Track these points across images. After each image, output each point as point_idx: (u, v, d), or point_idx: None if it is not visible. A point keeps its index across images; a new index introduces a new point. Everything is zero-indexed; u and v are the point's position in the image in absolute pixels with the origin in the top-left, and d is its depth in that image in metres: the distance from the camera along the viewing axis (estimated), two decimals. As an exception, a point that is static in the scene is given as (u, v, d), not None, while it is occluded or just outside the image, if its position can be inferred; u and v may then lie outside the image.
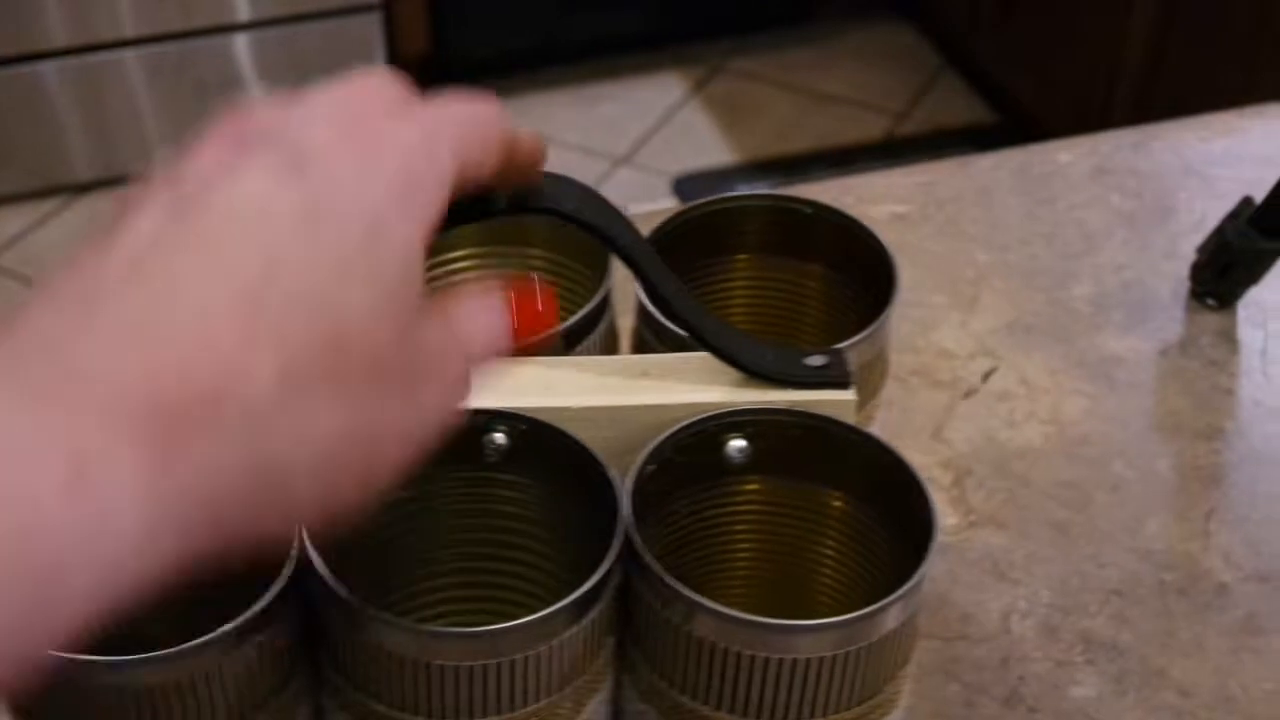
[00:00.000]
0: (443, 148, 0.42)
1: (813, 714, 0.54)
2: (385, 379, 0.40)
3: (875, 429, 0.68)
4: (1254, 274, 0.87)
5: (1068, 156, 0.99)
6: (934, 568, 0.75)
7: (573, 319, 0.63)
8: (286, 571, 0.52)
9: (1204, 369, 0.86)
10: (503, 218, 0.61)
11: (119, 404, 0.36)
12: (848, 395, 0.58)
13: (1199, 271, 0.88)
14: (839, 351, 0.59)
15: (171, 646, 0.50)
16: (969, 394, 0.84)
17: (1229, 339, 0.88)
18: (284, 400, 0.38)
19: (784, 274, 0.70)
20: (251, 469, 0.38)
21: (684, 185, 2.41)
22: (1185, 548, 0.77)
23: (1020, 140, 1.03)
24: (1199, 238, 0.90)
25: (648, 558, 0.53)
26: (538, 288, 0.56)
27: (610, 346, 0.67)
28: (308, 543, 0.53)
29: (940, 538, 0.76)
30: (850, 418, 0.58)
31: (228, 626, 0.51)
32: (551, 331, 0.52)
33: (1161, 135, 1.01)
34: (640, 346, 0.66)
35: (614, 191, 2.43)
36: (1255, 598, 0.75)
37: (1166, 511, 0.79)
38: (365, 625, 0.52)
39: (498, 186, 0.48)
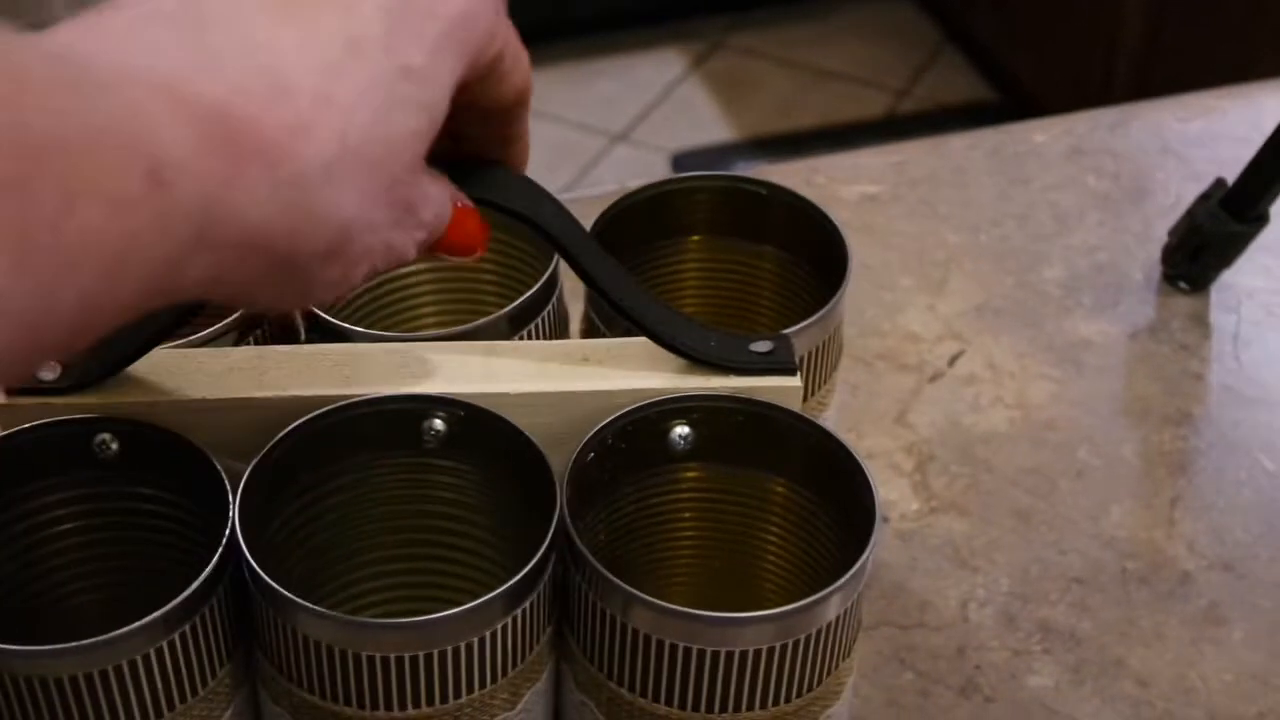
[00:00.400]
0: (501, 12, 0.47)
1: (752, 706, 0.53)
2: (397, 198, 0.45)
3: (831, 414, 0.67)
4: (1226, 257, 0.85)
5: (1043, 137, 0.98)
6: (893, 554, 0.75)
7: (517, 302, 0.62)
8: (214, 562, 0.52)
9: (1174, 353, 0.85)
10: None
11: (208, 112, 0.39)
12: (793, 382, 0.57)
13: (1171, 254, 0.87)
14: (785, 337, 0.58)
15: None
16: (935, 378, 0.83)
17: (1201, 323, 0.87)
18: (328, 174, 0.42)
19: (736, 256, 0.69)
20: (279, 226, 0.41)
21: (683, 162, 2.40)
22: (1149, 535, 0.76)
23: (1022, 119, 1.01)
24: (1174, 219, 0.89)
25: (583, 549, 0.52)
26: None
27: (559, 331, 0.66)
28: (239, 533, 0.52)
29: (899, 523, 0.76)
30: (796, 404, 0.57)
31: (154, 615, 0.50)
32: (475, 255, 0.52)
33: (1139, 115, 1.00)
34: (590, 332, 0.65)
35: (612, 169, 2.43)
36: (1218, 587, 0.74)
37: (1131, 498, 0.78)
38: (295, 616, 0.51)
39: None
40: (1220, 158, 0.93)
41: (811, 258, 0.67)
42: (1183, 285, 0.88)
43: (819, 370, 0.65)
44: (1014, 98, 2.45)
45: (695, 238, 0.69)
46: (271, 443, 0.54)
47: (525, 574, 0.51)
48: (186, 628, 0.51)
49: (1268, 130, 0.82)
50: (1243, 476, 0.79)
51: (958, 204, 0.93)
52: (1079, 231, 0.92)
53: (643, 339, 0.58)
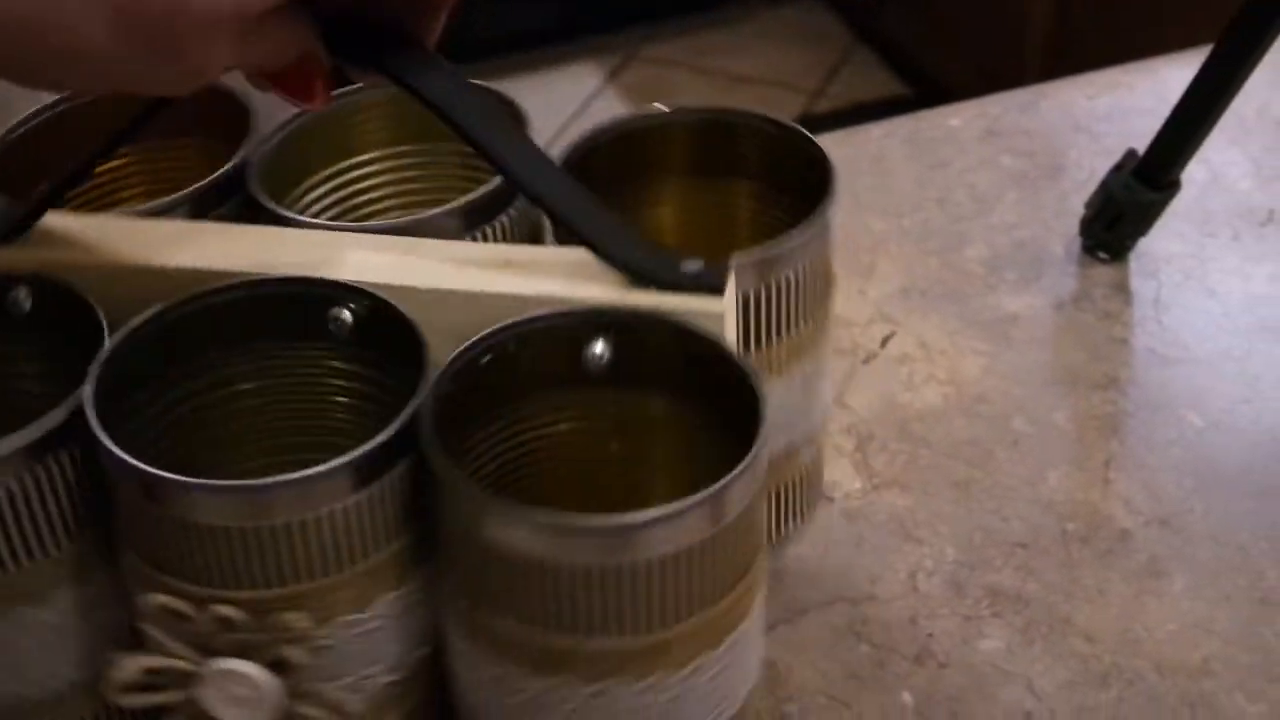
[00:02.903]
0: None
1: (638, 629, 0.50)
2: (165, 48, 0.46)
3: (816, 367, 0.65)
4: (1141, 225, 0.88)
5: (958, 120, 1.00)
6: (840, 532, 0.77)
7: (467, 198, 0.60)
8: (60, 414, 0.51)
9: (1098, 321, 0.87)
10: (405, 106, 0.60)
11: None
12: (718, 303, 0.54)
13: (1088, 226, 0.89)
14: (723, 261, 0.55)
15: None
16: (868, 359, 0.85)
17: (1122, 290, 0.89)
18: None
19: (713, 193, 0.67)
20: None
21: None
22: (1086, 497, 0.78)
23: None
24: (1090, 193, 0.91)
25: (437, 460, 0.50)
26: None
27: (529, 238, 0.64)
28: (88, 389, 0.51)
29: (844, 502, 0.77)
30: (719, 327, 0.54)
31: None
32: (307, 106, 0.53)
33: (1050, 94, 1.02)
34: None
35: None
36: (1156, 542, 0.76)
37: (1066, 463, 0.80)
38: (132, 477, 0.50)
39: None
40: (1130, 131, 0.96)
41: (792, 188, 0.64)
42: (1102, 255, 0.90)
43: (800, 299, 0.62)
44: (928, 92, 2.48)
45: (671, 176, 0.67)
46: (147, 315, 0.54)
47: (366, 452, 0.49)
48: (28, 476, 0.51)
49: (1174, 102, 0.85)
50: (1172, 435, 0.81)
51: (879, 191, 0.95)
52: (998, 210, 0.94)
53: (571, 251, 0.56)
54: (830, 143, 0.99)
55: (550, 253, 0.58)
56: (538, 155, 0.54)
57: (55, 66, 0.47)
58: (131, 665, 0.51)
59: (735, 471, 0.49)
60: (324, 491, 0.50)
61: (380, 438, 0.50)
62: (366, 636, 0.53)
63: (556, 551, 0.49)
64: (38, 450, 0.51)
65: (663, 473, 0.59)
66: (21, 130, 0.65)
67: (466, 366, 0.53)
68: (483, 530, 0.50)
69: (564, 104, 2.60)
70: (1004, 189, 0.95)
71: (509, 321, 0.54)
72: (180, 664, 0.51)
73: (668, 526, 0.49)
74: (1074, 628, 0.72)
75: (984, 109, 1.01)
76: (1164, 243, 0.91)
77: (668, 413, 0.57)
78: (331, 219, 0.68)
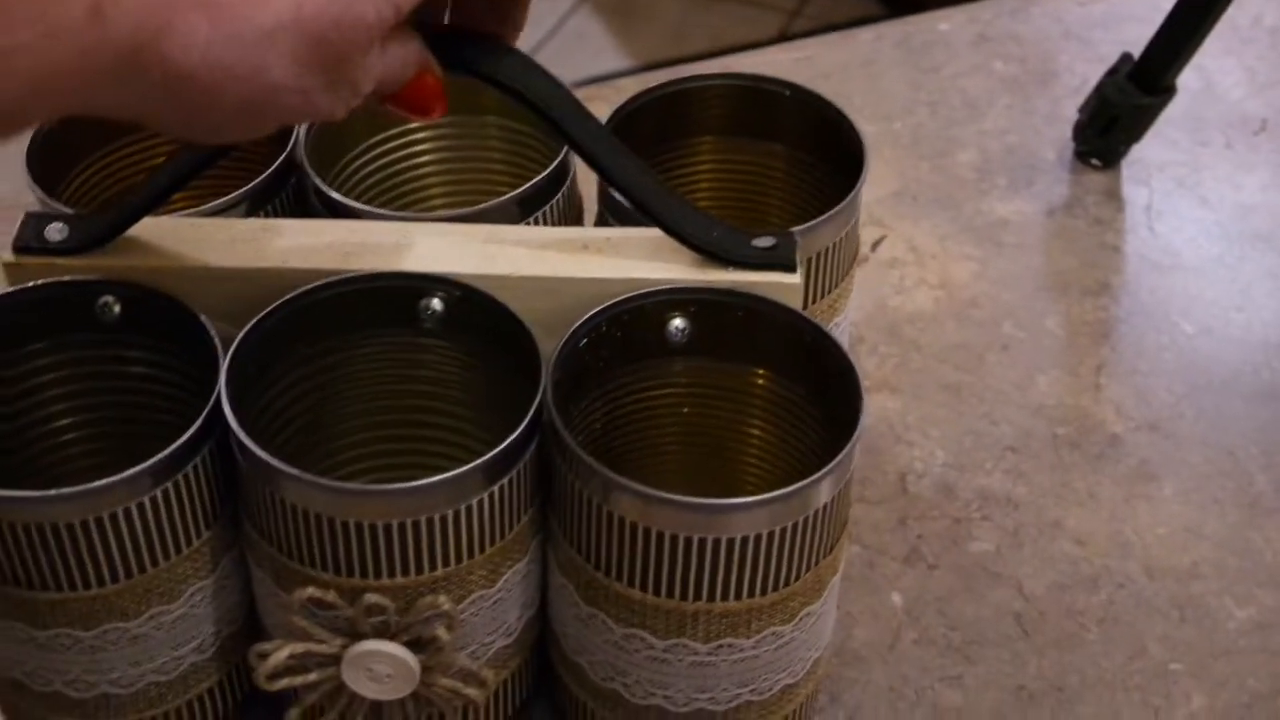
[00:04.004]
0: None
1: (727, 596, 0.53)
2: (336, 72, 0.46)
3: (845, 319, 0.67)
4: (1135, 131, 0.87)
5: (948, 26, 0.99)
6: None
7: (526, 186, 0.62)
8: (199, 422, 0.52)
9: (1090, 228, 0.86)
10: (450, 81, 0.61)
11: None
12: (792, 278, 0.57)
13: (1082, 131, 0.88)
14: (789, 235, 0.58)
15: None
16: (859, 263, 0.84)
17: (1114, 197, 0.88)
18: (270, 40, 0.44)
19: (749, 156, 0.69)
20: (203, 78, 0.43)
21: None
22: (1076, 402, 0.78)
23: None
24: (1081, 100, 0.90)
25: (564, 432, 0.52)
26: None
27: (571, 222, 0.66)
28: (224, 398, 0.52)
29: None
30: (794, 301, 0.57)
31: (139, 468, 0.51)
32: (428, 117, 0.53)
33: (1040, 1, 1.01)
34: (603, 226, 0.64)
35: (507, 102, 2.41)
36: (1146, 446, 0.75)
37: (1057, 368, 0.79)
38: (276, 481, 0.51)
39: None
40: (1123, 39, 0.95)
41: (826, 157, 0.67)
42: (1094, 162, 0.89)
43: (832, 270, 0.64)
44: (902, 11, 2.46)
45: (707, 138, 0.69)
46: (263, 313, 0.55)
47: (504, 449, 0.51)
48: (170, 485, 0.52)
49: (1166, 9, 0.84)
50: (1164, 341, 0.80)
51: (870, 94, 0.94)
52: (989, 116, 0.93)
53: (644, 231, 0.58)
54: (820, 46, 0.98)
55: (624, 234, 0.59)
56: (617, 145, 0.56)
57: (242, 116, 0.45)
58: (281, 653, 0.53)
59: (827, 468, 0.52)
60: (468, 487, 0.51)
61: (515, 433, 0.52)
62: (492, 608, 0.55)
63: (671, 525, 0.52)
64: (181, 459, 0.52)
65: (752, 438, 0.62)
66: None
67: (572, 351, 0.55)
68: (611, 505, 0.52)
69: (539, 22, 2.57)
70: (995, 95, 0.94)
71: (604, 305, 0.56)
72: (325, 648, 0.53)
73: (759, 511, 0.52)
74: (1064, 531, 0.72)
75: (975, 14, 0.99)
76: (1156, 151, 0.90)
77: (750, 383, 0.60)
78: (374, 187, 0.68)
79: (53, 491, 0.51)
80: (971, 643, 0.67)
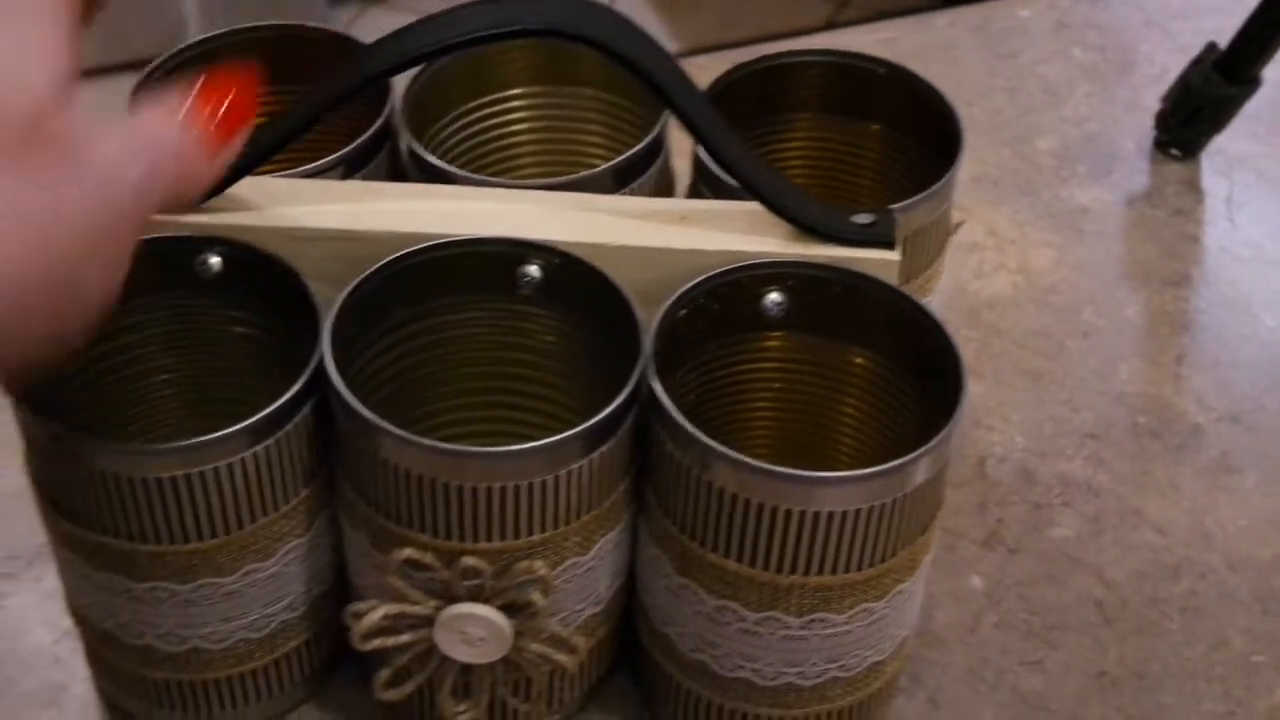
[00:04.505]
0: None
1: (823, 570, 0.53)
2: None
3: (935, 300, 0.67)
4: (1219, 121, 0.86)
5: (1027, 12, 0.98)
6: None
7: (623, 156, 0.62)
8: (301, 381, 0.52)
9: (1170, 218, 0.86)
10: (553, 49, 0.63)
11: None
12: (892, 255, 0.56)
13: (1164, 120, 0.88)
14: (888, 212, 0.57)
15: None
16: (938, 246, 0.84)
17: (1194, 188, 0.88)
18: None
19: (843, 134, 0.69)
20: None
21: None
22: (1157, 391, 0.77)
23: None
24: (1161, 90, 0.89)
25: (666, 399, 0.52)
26: (232, 81, 0.48)
27: (664, 194, 0.66)
28: (327, 357, 0.52)
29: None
30: (892, 279, 0.57)
31: (239, 426, 0.51)
32: (249, 124, 0.47)
33: (1121, -11, 1.00)
34: (695, 198, 0.64)
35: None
36: (1227, 438, 0.75)
37: (1137, 357, 0.79)
38: (377, 440, 0.51)
39: None
40: (1203, 29, 0.94)
41: (920, 138, 0.66)
42: (1175, 152, 0.88)
43: (923, 251, 0.64)
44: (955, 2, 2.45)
45: (802, 115, 0.68)
46: (365, 274, 0.55)
47: (606, 416, 0.51)
48: (270, 443, 0.52)
49: (1248, 1, 0.83)
50: (1245, 333, 0.80)
51: (948, 79, 0.92)
52: (1069, 103, 0.92)
53: (743, 204, 0.57)
54: (899, 29, 0.98)
55: (722, 207, 0.59)
56: (721, 118, 0.56)
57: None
58: (376, 613, 0.53)
59: (927, 446, 0.52)
60: (568, 453, 0.51)
61: (616, 401, 0.51)
62: (584, 575, 0.55)
63: (768, 497, 0.51)
64: (281, 417, 0.52)
65: (846, 415, 0.62)
66: (160, 71, 0.65)
67: (671, 322, 0.55)
68: (709, 475, 0.52)
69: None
70: (1075, 82, 0.93)
71: (703, 277, 0.56)
72: (419, 609, 0.53)
73: (858, 486, 0.51)
74: (1145, 520, 0.71)
75: (1054, 1, 0.99)
76: (1237, 143, 0.89)
77: (846, 359, 0.60)
78: (467, 153, 0.68)
79: (159, 445, 0.51)
80: (1052, 628, 0.67)
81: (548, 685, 0.58)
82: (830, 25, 2.55)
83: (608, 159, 0.63)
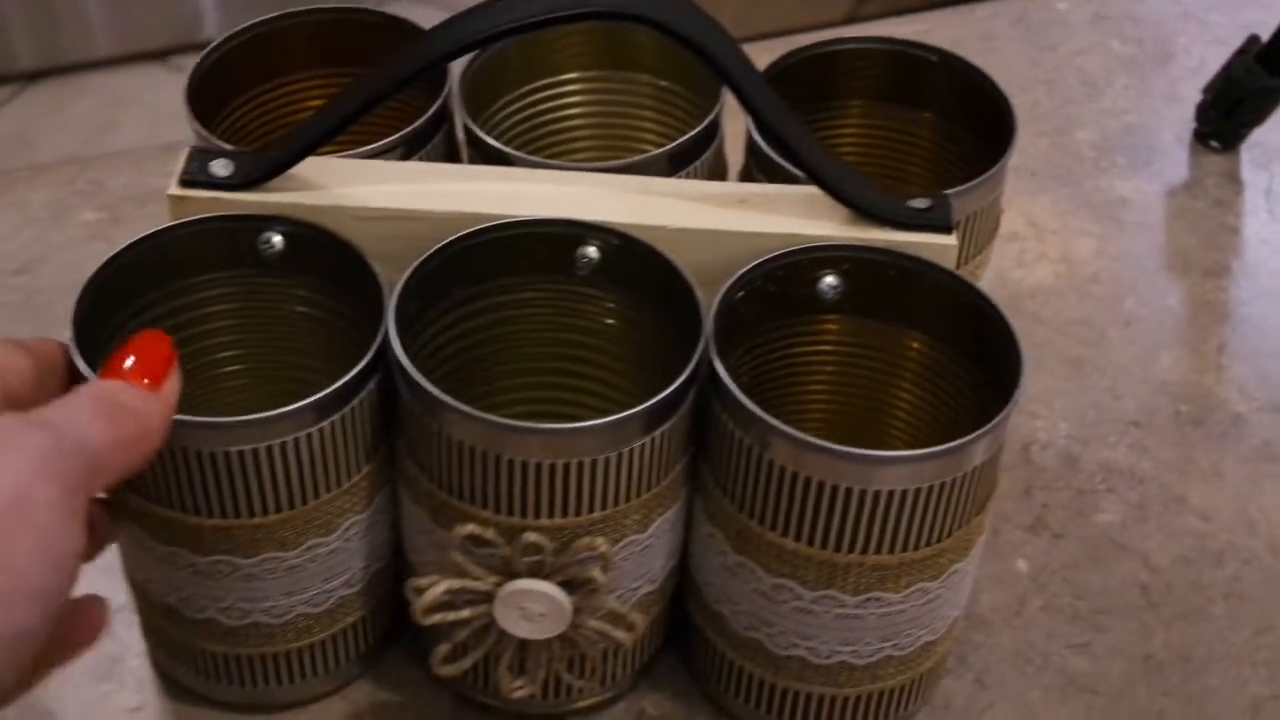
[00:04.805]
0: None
1: (880, 549, 0.54)
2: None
3: (984, 286, 0.67)
4: (1260, 113, 0.87)
5: (1065, 5, 0.99)
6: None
7: (679, 141, 0.62)
8: (367, 357, 0.53)
9: (1210, 209, 0.86)
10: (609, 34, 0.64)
11: None
12: (948, 240, 0.57)
13: (1205, 111, 0.88)
14: (944, 197, 0.58)
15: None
16: (979, 235, 0.84)
17: (1234, 180, 0.88)
18: None
19: (895, 122, 0.69)
20: None
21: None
22: (1199, 380, 0.78)
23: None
24: (1199, 82, 0.90)
25: (727, 378, 0.52)
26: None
27: (717, 179, 0.66)
28: (393, 334, 0.53)
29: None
30: (949, 263, 0.57)
31: (306, 401, 0.51)
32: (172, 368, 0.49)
33: (1158, -17, 1.01)
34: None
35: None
36: (1270, 427, 0.75)
37: (1179, 346, 0.79)
38: (442, 415, 0.52)
39: None
40: (1241, 22, 0.94)
41: (972, 126, 0.67)
42: (1214, 144, 0.89)
43: (973, 238, 0.64)
44: None
45: (855, 102, 0.69)
46: (428, 253, 0.55)
47: (668, 395, 0.51)
48: (335, 418, 0.52)
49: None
50: (1286, 323, 0.80)
51: (987, 70, 0.93)
52: (1108, 95, 0.93)
53: (800, 188, 0.58)
54: (937, 20, 0.98)
55: (779, 191, 0.59)
56: (781, 101, 0.56)
57: None
58: (438, 588, 0.54)
59: (986, 428, 0.52)
60: (629, 431, 0.52)
61: (678, 379, 0.52)
62: (642, 554, 0.56)
63: (828, 475, 0.52)
64: (347, 393, 0.53)
65: (900, 398, 0.62)
66: (218, 54, 0.66)
67: (729, 304, 0.55)
68: (768, 452, 0.52)
69: None
70: (1113, 74, 0.94)
71: (761, 259, 0.56)
72: (479, 585, 0.54)
73: (916, 466, 0.52)
74: (1189, 506, 0.72)
75: (1092, -6, 0.99)
76: (1277, 135, 0.89)
77: (901, 343, 0.60)
78: (521, 136, 0.69)
79: (229, 419, 0.51)
80: (1098, 611, 0.67)
81: (602, 662, 0.58)
82: (850, 20, 2.55)
83: (659, 145, 0.63)
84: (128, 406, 0.46)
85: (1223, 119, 0.87)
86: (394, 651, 0.63)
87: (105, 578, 0.65)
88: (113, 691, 0.62)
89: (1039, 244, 0.84)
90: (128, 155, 0.88)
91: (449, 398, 0.51)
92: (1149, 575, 0.69)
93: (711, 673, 0.60)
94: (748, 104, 0.56)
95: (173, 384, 0.48)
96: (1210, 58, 0.91)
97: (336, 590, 0.57)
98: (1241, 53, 0.86)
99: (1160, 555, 0.70)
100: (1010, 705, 0.63)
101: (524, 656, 0.56)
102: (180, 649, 0.59)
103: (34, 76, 2.33)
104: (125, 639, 0.63)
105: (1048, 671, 0.65)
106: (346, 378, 0.52)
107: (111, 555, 0.59)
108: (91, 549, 0.50)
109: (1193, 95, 0.90)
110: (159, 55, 2.18)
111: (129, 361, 0.47)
